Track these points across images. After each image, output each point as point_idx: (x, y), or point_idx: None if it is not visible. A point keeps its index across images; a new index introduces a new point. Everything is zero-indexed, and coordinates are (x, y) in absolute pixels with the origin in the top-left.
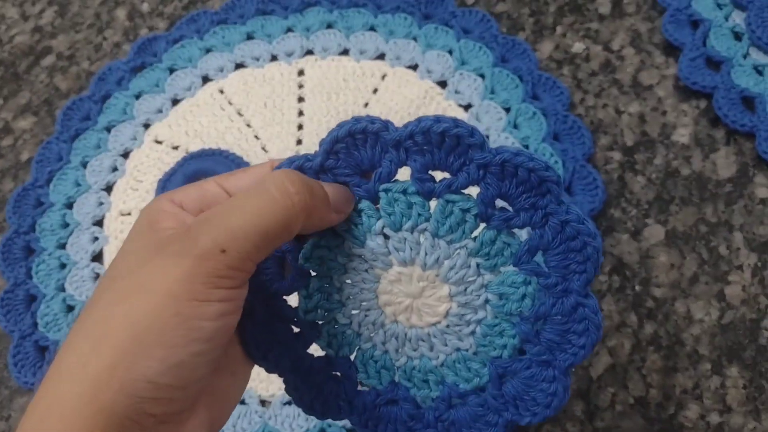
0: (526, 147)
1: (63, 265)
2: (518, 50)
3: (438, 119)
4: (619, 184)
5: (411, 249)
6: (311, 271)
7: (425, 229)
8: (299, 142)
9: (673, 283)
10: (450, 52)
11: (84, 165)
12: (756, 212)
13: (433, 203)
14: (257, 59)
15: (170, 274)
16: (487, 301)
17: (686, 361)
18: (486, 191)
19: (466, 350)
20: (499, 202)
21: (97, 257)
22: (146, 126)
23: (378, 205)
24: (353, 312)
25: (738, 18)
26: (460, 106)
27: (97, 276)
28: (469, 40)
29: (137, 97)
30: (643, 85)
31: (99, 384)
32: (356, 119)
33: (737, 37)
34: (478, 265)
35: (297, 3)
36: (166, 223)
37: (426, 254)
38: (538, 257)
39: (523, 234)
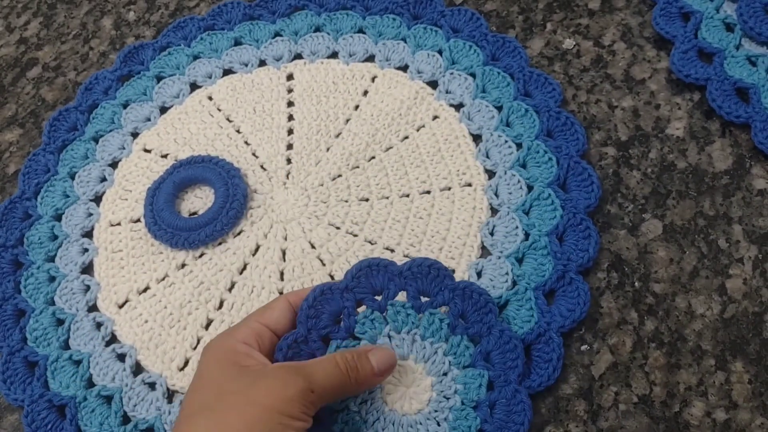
0: (519, 145)
1: (52, 278)
2: (508, 48)
3: (426, 258)
4: (614, 180)
5: (407, 346)
6: None
7: (416, 333)
8: (290, 146)
9: (673, 278)
10: (440, 52)
11: (72, 176)
12: (754, 204)
13: (421, 317)
14: (246, 65)
15: (276, 394)
16: (456, 391)
17: (689, 357)
18: (454, 307)
19: None
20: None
21: (87, 269)
22: (134, 135)
23: (384, 315)
24: (362, 401)
25: (729, 9)
26: (452, 105)
27: (87, 288)
28: (459, 39)
29: (125, 106)
30: (636, 80)
31: None
32: (373, 258)
33: (729, 28)
34: (449, 362)
35: (284, 7)
36: (249, 362)
37: (417, 351)
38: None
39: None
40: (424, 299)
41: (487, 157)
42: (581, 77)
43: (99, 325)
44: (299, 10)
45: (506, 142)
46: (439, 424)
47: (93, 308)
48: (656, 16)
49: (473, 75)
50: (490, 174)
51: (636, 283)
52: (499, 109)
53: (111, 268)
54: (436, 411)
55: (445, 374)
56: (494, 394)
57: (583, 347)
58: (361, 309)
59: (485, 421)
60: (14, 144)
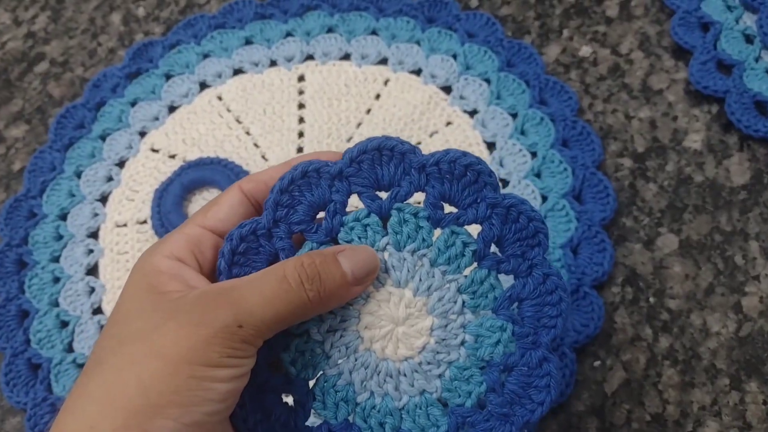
0: (534, 154)
1: (57, 279)
2: (524, 54)
3: (465, 153)
4: (630, 192)
5: (408, 271)
6: None
7: (425, 255)
8: (300, 150)
9: (688, 294)
10: (454, 57)
11: (78, 175)
12: None
13: (436, 233)
14: (256, 65)
15: (185, 341)
16: (462, 342)
17: (704, 376)
18: (489, 230)
19: (431, 394)
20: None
21: (92, 270)
22: (142, 134)
23: (386, 223)
24: (330, 330)
25: (749, 20)
26: (465, 112)
27: (92, 290)
28: (474, 44)
29: (133, 104)
30: (653, 90)
31: None
32: (387, 137)
33: (749, 39)
34: (463, 302)
35: (297, 7)
36: (171, 286)
37: (420, 279)
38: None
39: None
40: (448, 209)
41: (501, 165)
42: (598, 86)
43: None
44: (312, 10)
45: (521, 150)
46: (428, 381)
47: (98, 311)
48: (675, 26)
49: (488, 81)
50: (504, 183)
51: (651, 299)
52: (514, 116)
53: (117, 270)
54: (429, 363)
55: (453, 317)
56: (514, 356)
57: (596, 363)
58: (356, 207)
59: (492, 390)
60: (20, 140)
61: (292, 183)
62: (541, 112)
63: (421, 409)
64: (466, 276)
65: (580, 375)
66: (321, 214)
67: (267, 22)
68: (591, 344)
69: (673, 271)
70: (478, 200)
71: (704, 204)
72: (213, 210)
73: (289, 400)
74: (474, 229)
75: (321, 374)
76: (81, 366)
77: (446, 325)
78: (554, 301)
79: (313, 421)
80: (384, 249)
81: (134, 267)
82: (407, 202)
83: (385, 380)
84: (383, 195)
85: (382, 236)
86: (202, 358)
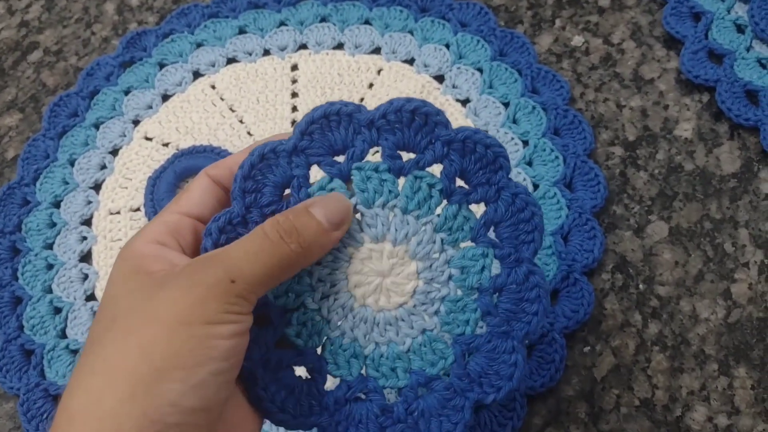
0: (526, 142)
1: (50, 266)
2: (517, 44)
3: (409, 99)
4: (621, 180)
5: (382, 225)
6: None
7: (395, 206)
8: None
9: (677, 281)
10: (447, 46)
11: (71, 163)
12: (761, 208)
13: (401, 182)
14: (249, 54)
15: (180, 303)
16: (450, 276)
17: (692, 361)
18: (450, 167)
19: (432, 330)
20: (458, 182)
21: (85, 257)
22: (135, 122)
23: (350, 184)
24: (323, 296)
25: (740, 10)
26: (458, 101)
27: (85, 277)
28: (467, 33)
29: (126, 92)
30: (645, 79)
31: (119, 416)
32: (330, 103)
33: (740, 29)
34: (442, 240)
35: None
36: (156, 266)
37: (396, 229)
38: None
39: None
40: (406, 156)
41: None
42: (589, 75)
43: None
44: (305, 0)
45: (513, 139)
46: (426, 319)
47: (91, 297)
48: (666, 15)
49: (480, 70)
50: None
51: (640, 286)
52: (506, 105)
53: (110, 257)
54: (423, 304)
55: (436, 256)
56: (501, 277)
57: (586, 349)
58: (319, 176)
59: (488, 313)
60: (14, 128)
61: (253, 168)
62: (533, 101)
63: (426, 346)
64: (439, 215)
65: (570, 360)
66: (288, 191)
67: (260, 11)
68: (581, 330)
69: (662, 258)
70: (433, 141)
71: (694, 192)
72: (185, 196)
73: (302, 372)
74: (437, 170)
75: (326, 339)
76: (74, 352)
77: (431, 266)
78: (527, 217)
79: (331, 383)
80: (355, 209)
81: (118, 257)
82: (366, 159)
83: (386, 329)
84: (342, 159)
85: (350, 197)
86: (201, 317)
